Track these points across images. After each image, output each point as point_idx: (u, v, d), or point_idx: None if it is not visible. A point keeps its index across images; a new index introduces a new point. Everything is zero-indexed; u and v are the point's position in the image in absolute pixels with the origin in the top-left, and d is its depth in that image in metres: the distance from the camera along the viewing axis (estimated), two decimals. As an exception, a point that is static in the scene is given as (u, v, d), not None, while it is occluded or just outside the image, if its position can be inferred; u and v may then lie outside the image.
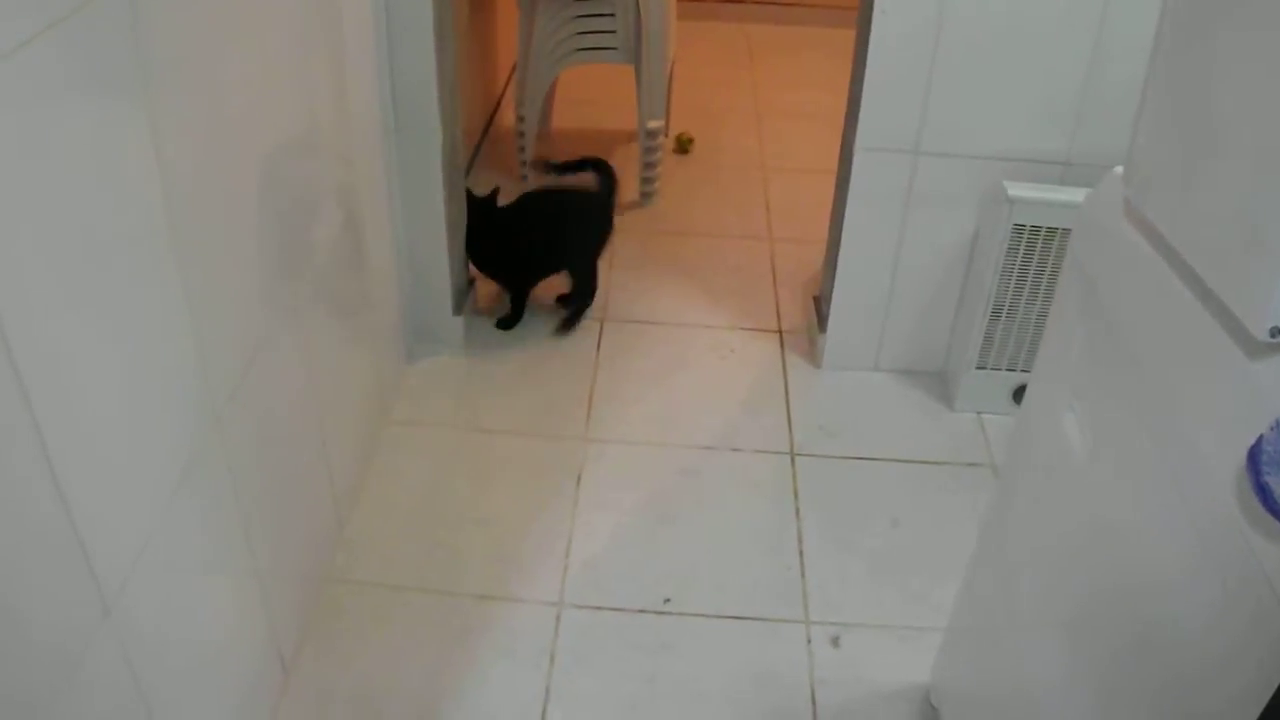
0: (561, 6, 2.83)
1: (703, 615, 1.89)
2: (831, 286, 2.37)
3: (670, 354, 2.52)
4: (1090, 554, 1.17)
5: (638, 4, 2.77)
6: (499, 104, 3.58)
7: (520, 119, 3.02)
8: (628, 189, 3.16)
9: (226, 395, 1.37)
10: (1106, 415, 1.16)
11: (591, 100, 3.61)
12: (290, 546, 1.70)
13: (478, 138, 3.36)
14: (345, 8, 1.83)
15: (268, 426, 1.55)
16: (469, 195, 2.45)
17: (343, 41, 1.83)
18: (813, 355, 2.52)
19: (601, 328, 2.59)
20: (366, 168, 2.02)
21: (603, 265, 2.67)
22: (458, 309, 2.44)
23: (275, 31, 1.51)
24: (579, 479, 2.15)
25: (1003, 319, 2.24)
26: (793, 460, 2.23)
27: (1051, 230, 2.11)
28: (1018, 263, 2.16)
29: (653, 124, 2.96)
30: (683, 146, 3.46)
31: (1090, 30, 2.01)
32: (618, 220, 2.67)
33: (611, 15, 2.84)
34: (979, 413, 2.37)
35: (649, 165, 3.04)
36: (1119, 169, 1.19)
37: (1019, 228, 2.11)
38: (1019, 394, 2.34)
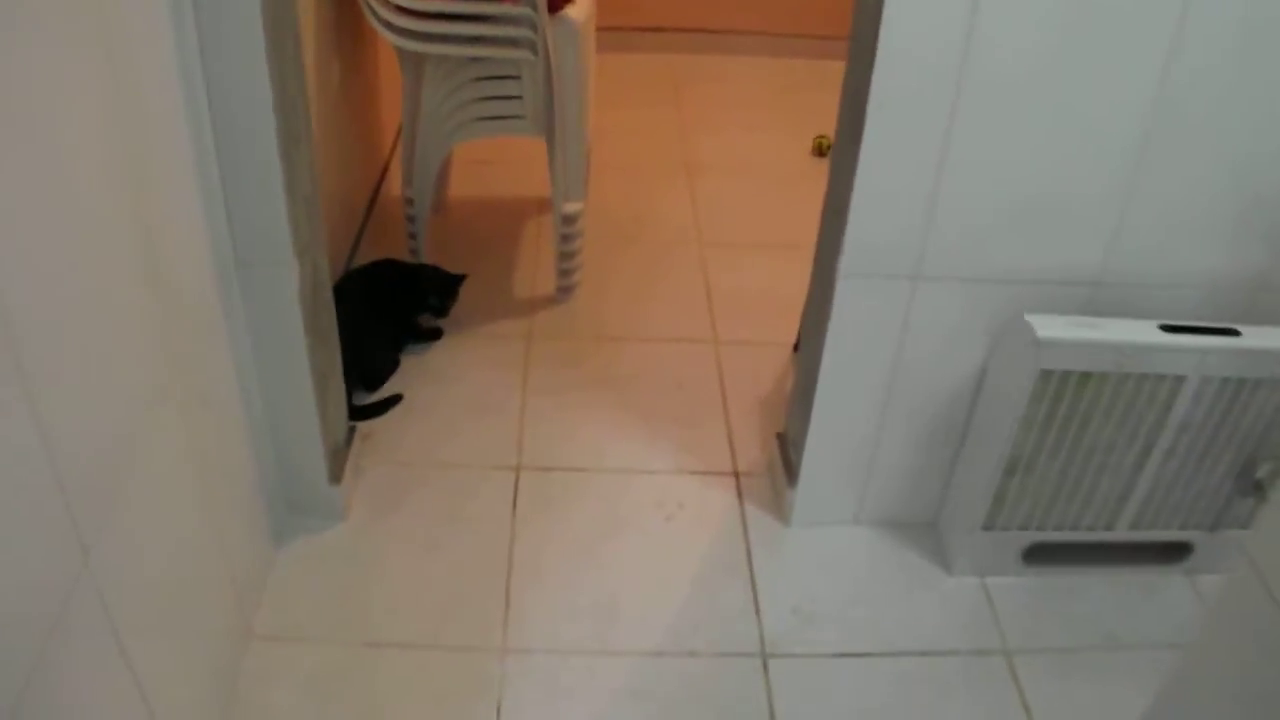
0: (455, 68, 2.31)
1: None
2: (804, 431, 1.91)
3: (604, 514, 2.03)
4: None
5: (549, 65, 2.26)
6: (385, 169, 3.06)
7: (409, 201, 2.49)
8: (541, 282, 2.66)
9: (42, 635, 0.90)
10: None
11: (491, 160, 3.10)
12: None
13: (364, 210, 2.85)
14: (156, 120, 1.33)
15: None
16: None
17: (156, 160, 1.32)
18: (778, 507, 2.05)
19: (517, 479, 2.08)
20: (199, 315, 1.51)
21: (516, 388, 2.20)
22: (335, 476, 1.91)
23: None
24: (498, 709, 1.66)
25: (1019, 474, 1.80)
26: (764, 664, 1.76)
27: (1085, 375, 1.67)
28: (1042, 411, 1.72)
29: (570, 208, 2.45)
30: (822, 150, 3.26)
31: (1141, 113, 1.57)
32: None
33: (517, 79, 2.32)
34: (982, 577, 1.94)
35: (566, 255, 2.52)
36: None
37: (1047, 374, 1.67)
38: (1030, 554, 1.92)
